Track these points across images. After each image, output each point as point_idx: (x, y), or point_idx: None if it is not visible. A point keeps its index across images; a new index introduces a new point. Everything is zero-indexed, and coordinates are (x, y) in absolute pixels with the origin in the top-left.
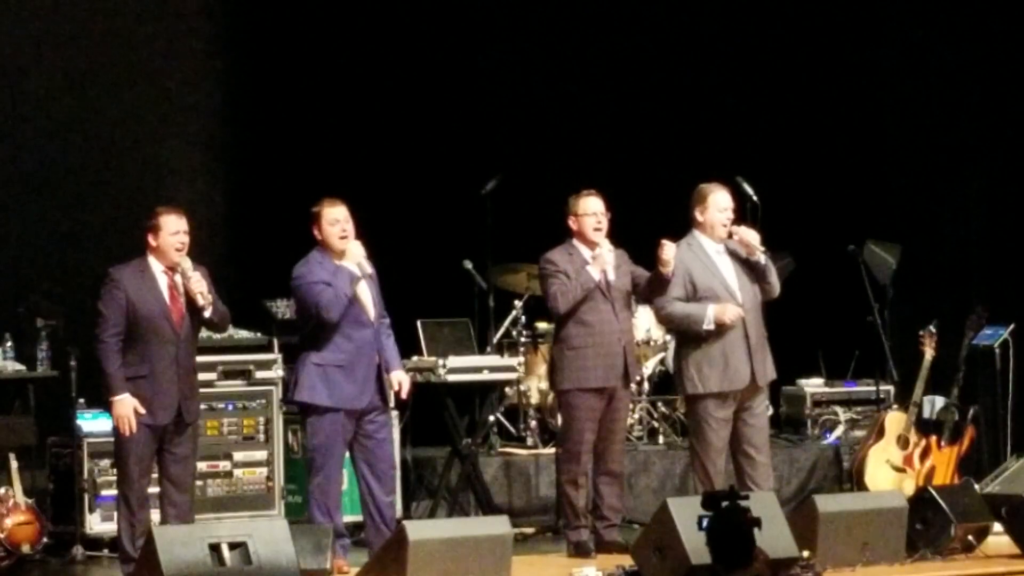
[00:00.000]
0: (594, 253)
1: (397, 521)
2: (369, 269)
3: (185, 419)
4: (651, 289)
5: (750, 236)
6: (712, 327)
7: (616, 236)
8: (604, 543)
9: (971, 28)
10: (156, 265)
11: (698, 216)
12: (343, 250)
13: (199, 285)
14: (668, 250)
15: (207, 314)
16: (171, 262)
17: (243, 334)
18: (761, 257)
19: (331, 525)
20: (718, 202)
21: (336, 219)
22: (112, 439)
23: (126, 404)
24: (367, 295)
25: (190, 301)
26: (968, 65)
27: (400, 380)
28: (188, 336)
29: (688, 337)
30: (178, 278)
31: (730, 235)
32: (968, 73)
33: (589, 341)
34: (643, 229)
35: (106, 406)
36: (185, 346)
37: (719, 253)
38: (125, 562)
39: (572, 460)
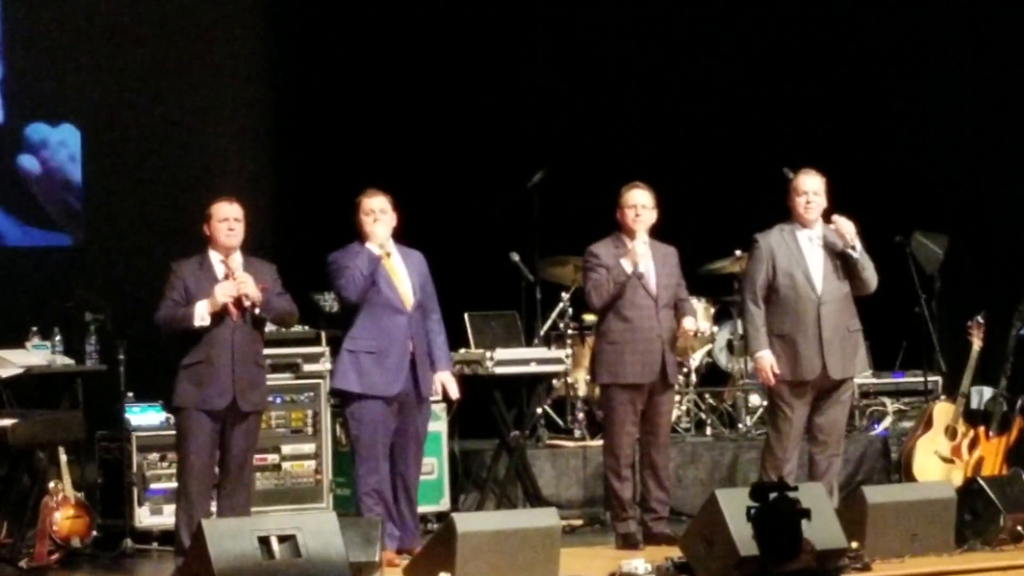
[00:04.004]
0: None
1: (444, 514)
2: (389, 249)
3: (241, 408)
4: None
5: (845, 227)
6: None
7: (663, 227)
8: (652, 535)
9: (1019, 18)
10: (214, 256)
11: (789, 201)
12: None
13: (244, 287)
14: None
15: (257, 311)
16: (224, 249)
17: (291, 327)
18: (852, 252)
19: (378, 517)
20: (798, 185)
21: (371, 209)
22: (164, 432)
23: (204, 303)
24: (405, 283)
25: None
26: (1015, 55)
27: (444, 381)
28: (247, 323)
29: (767, 324)
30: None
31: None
32: (1015, 62)
33: (628, 336)
34: (691, 219)
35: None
36: (242, 333)
37: (810, 240)
38: (180, 554)
39: (614, 453)
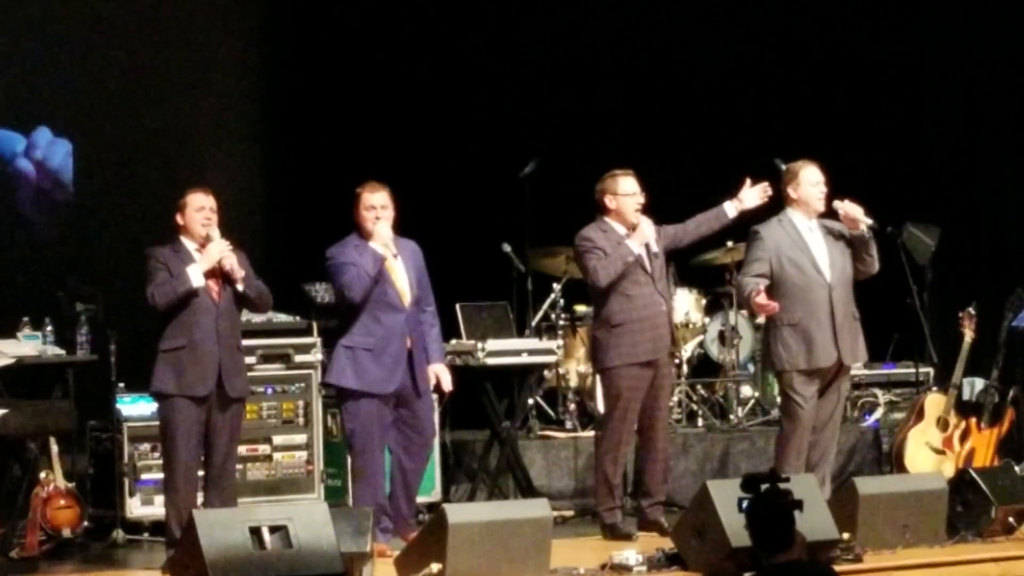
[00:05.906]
0: (630, 232)
1: (436, 505)
2: (394, 250)
3: (229, 394)
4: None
5: (854, 210)
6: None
7: (653, 217)
8: (647, 522)
9: (1011, 10)
10: (189, 244)
11: (791, 193)
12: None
13: (228, 259)
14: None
15: (240, 287)
16: (200, 239)
17: (282, 318)
18: (865, 230)
19: (370, 508)
20: (809, 177)
21: (372, 205)
22: (155, 422)
23: (196, 265)
24: (403, 280)
25: (225, 275)
26: (1007, 46)
27: (438, 373)
28: (228, 309)
29: (775, 315)
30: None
31: (829, 212)
32: (1007, 54)
33: (634, 315)
34: (681, 210)
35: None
36: (225, 319)
37: (811, 230)
38: (171, 546)
39: (615, 437)
